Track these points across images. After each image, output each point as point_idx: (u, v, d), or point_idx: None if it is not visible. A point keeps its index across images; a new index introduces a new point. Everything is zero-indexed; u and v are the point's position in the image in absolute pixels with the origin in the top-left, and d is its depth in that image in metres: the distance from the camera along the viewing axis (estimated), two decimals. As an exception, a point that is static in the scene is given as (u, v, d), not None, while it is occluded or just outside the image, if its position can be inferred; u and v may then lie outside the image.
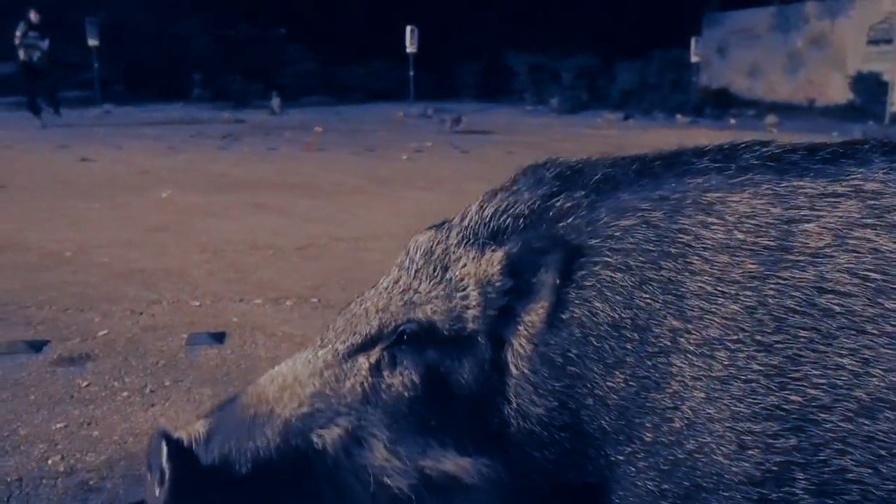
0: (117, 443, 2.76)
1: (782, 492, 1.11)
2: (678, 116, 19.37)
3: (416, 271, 1.38)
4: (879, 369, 1.07)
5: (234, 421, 1.34)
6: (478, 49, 25.35)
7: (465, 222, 1.38)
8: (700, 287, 1.19)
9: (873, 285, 1.10)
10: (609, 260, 1.25)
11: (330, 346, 1.38)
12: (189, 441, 1.31)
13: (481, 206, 1.37)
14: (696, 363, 1.16)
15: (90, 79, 19.36)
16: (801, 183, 1.22)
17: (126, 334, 3.76)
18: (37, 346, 3.56)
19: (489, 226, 1.34)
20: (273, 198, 7.52)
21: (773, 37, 21.81)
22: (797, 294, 1.13)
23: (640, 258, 1.23)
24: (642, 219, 1.26)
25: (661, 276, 1.22)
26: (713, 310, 1.17)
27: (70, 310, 4.08)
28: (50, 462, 2.60)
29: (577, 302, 1.25)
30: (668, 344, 1.19)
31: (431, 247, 1.38)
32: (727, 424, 1.13)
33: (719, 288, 1.17)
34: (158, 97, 20.80)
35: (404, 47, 20.67)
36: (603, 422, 1.23)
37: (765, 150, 1.30)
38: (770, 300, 1.14)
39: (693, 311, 1.18)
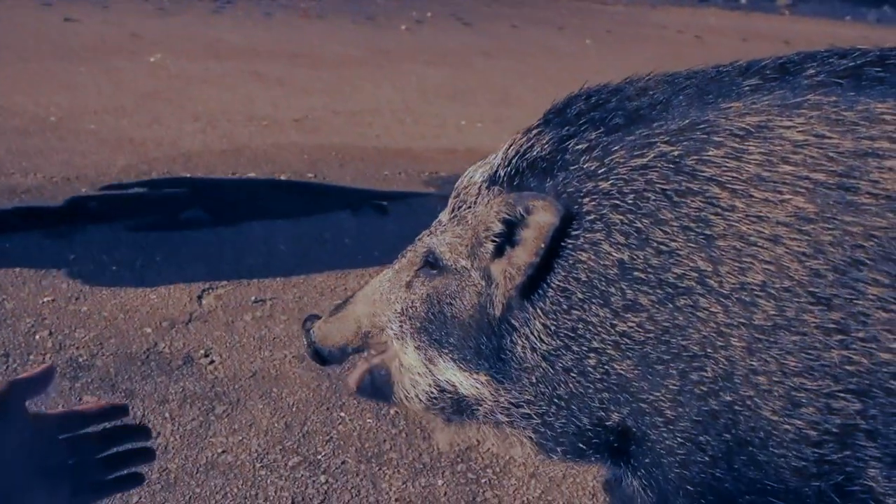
0: (107, 319, 2.67)
1: (845, 455, 1.00)
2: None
3: (448, 205, 1.45)
4: None
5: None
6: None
7: (493, 161, 1.37)
8: (731, 226, 1.05)
9: None
10: (618, 202, 1.15)
11: (395, 263, 1.53)
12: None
13: (509, 146, 1.34)
14: (733, 309, 1.04)
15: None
16: (881, 106, 1.01)
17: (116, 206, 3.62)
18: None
19: (507, 168, 1.32)
20: (271, 67, 7.20)
21: None
22: (870, 243, 0.96)
23: (655, 197, 1.12)
24: (659, 154, 1.13)
25: (681, 213, 1.09)
26: (752, 252, 1.03)
27: (56, 178, 3.91)
28: (38, 337, 2.52)
29: (584, 246, 1.18)
30: (694, 286, 1.07)
31: (463, 182, 1.43)
32: (774, 379, 1.02)
33: (757, 228, 1.03)
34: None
35: None
36: (616, 366, 1.16)
37: (842, 62, 1.09)
38: (829, 248, 0.98)
39: (724, 252, 1.05)
